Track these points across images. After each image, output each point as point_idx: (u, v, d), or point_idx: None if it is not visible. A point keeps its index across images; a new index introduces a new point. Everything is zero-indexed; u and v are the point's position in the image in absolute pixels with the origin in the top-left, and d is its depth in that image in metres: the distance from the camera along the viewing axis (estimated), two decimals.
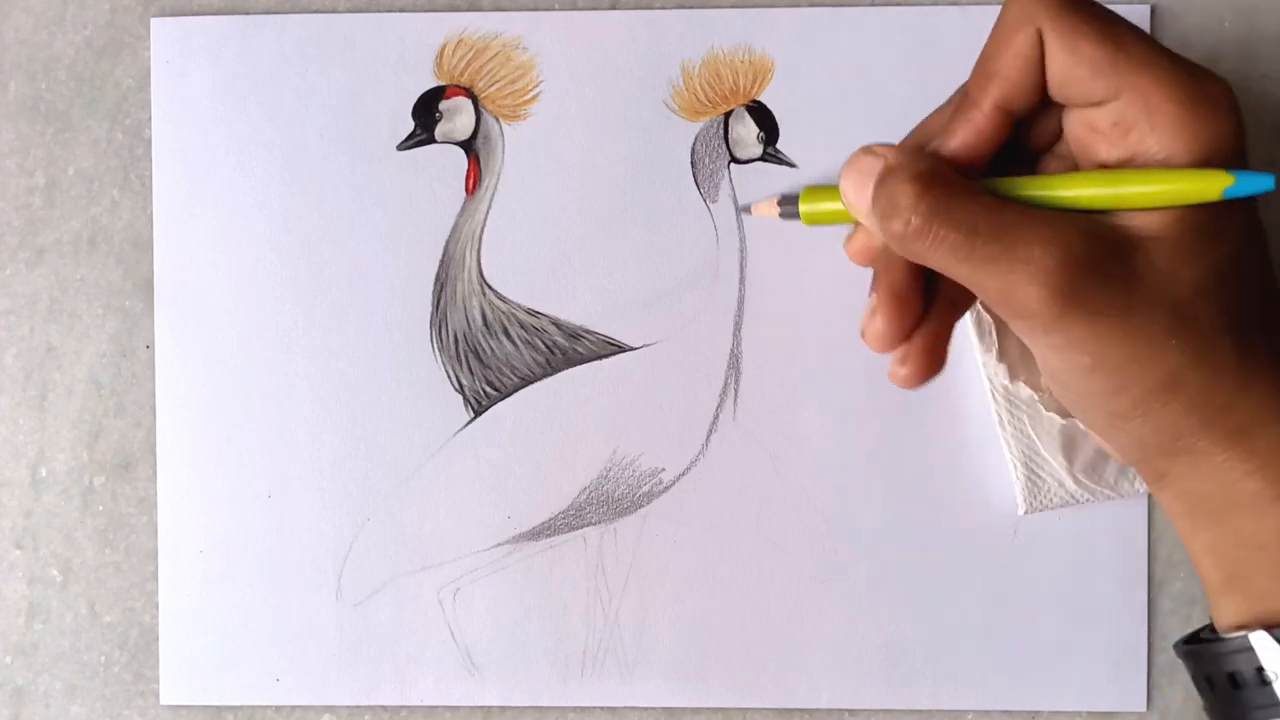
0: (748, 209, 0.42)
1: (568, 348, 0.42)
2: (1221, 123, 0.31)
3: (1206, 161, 0.31)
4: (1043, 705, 0.42)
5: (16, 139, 0.43)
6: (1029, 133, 0.34)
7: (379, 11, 0.43)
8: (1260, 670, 0.32)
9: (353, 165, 0.43)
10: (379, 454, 0.42)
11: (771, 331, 0.42)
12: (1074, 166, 0.34)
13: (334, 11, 0.43)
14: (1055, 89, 0.32)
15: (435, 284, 0.43)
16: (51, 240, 0.43)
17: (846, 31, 0.42)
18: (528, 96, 0.42)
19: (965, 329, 0.42)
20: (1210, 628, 0.35)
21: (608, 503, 0.42)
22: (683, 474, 0.42)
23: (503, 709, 0.43)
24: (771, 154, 0.42)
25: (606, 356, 0.42)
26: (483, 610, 0.42)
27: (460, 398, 0.43)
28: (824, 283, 0.42)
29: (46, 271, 0.43)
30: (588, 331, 0.42)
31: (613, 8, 0.43)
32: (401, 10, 0.43)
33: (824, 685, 0.42)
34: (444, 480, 0.42)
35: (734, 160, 0.42)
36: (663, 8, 0.43)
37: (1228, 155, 0.31)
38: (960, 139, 0.33)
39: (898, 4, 0.42)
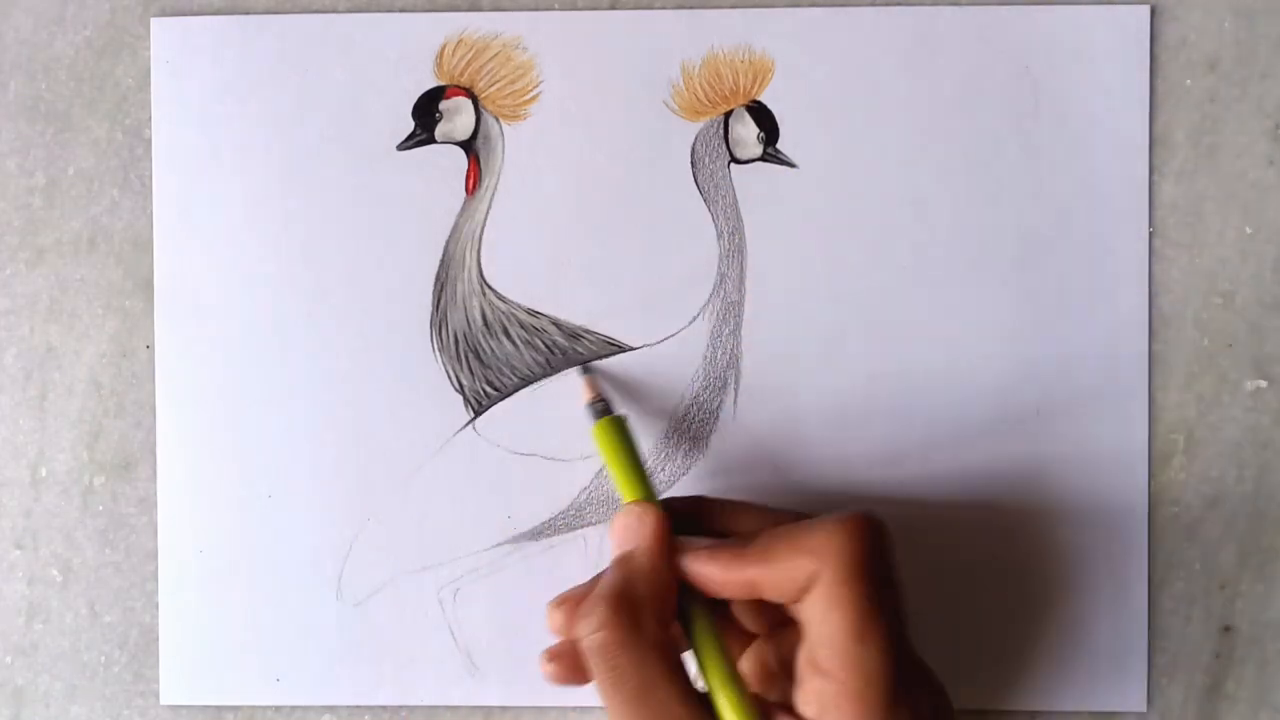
0: (585, 371, 0.42)
1: (568, 348, 0.42)
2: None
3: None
4: (1043, 705, 0.42)
5: (16, 139, 0.43)
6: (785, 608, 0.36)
7: (379, 11, 0.43)
8: None
9: (353, 165, 0.43)
10: (379, 454, 0.42)
11: (771, 331, 0.42)
12: (797, 638, 0.35)
13: (334, 11, 0.43)
14: (799, 617, 0.34)
15: (435, 284, 0.43)
16: (51, 240, 0.43)
17: (846, 31, 0.42)
18: (528, 96, 0.43)
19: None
20: None
21: (608, 503, 0.42)
22: (682, 474, 0.42)
23: (503, 709, 0.43)
24: (771, 154, 0.42)
25: (606, 356, 0.42)
26: (483, 610, 0.42)
27: (460, 398, 0.43)
28: (824, 282, 0.42)
29: (46, 271, 0.43)
30: (588, 331, 0.42)
31: (613, 8, 0.43)
32: (401, 10, 0.43)
33: None
34: (444, 480, 0.42)
35: (734, 160, 0.42)
36: (663, 8, 0.43)
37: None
38: (707, 574, 0.35)
39: (898, 4, 0.42)
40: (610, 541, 0.37)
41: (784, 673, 0.36)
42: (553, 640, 0.36)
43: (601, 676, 0.34)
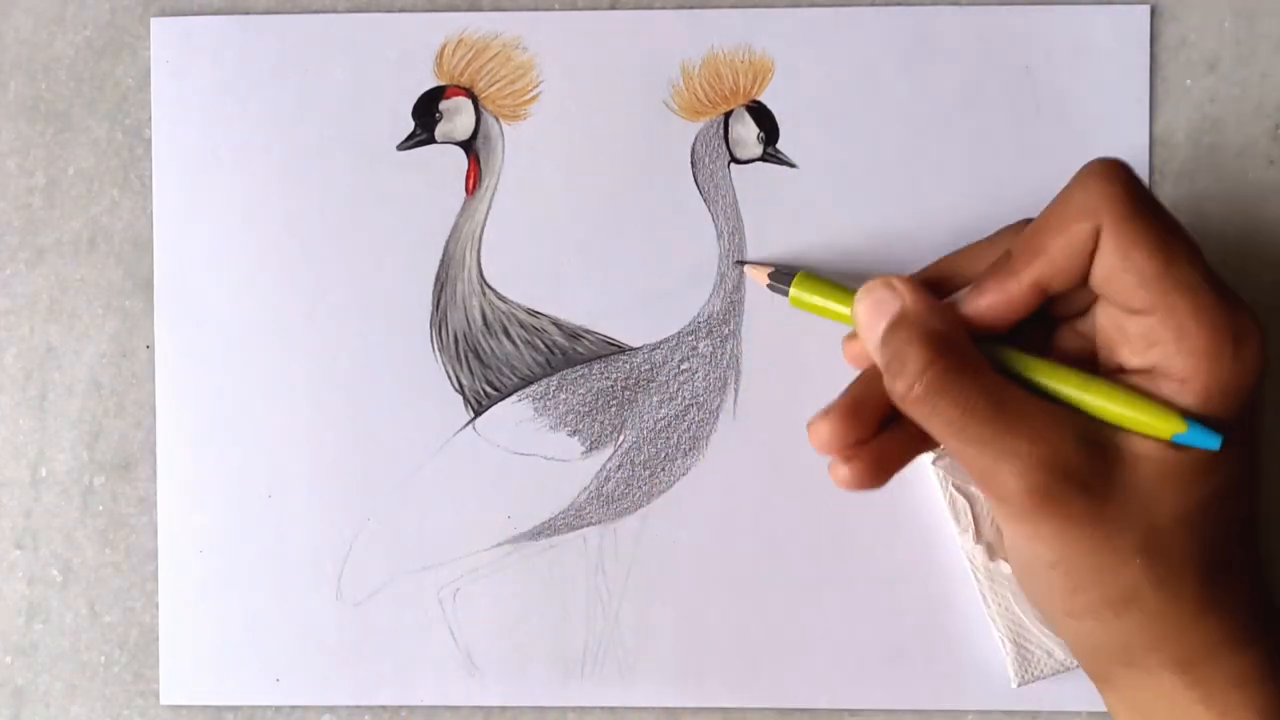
0: (742, 264, 0.42)
1: (568, 348, 0.42)
2: (1244, 365, 0.31)
3: (1219, 397, 0.32)
4: (1043, 705, 0.42)
5: (16, 139, 0.43)
6: (1056, 302, 0.34)
7: (379, 11, 0.43)
8: None
9: (353, 165, 0.43)
10: (379, 454, 0.42)
11: (771, 331, 0.42)
12: (1090, 346, 0.34)
13: (334, 11, 0.43)
14: (1098, 283, 0.32)
15: (435, 284, 0.43)
16: (51, 240, 0.43)
17: (846, 31, 0.42)
18: (528, 96, 0.42)
19: (939, 496, 0.42)
20: None
21: (608, 503, 0.42)
22: (683, 474, 0.42)
23: (503, 709, 0.43)
24: (771, 154, 0.42)
25: (606, 356, 0.42)
26: (483, 610, 0.42)
27: (460, 398, 0.43)
28: None
29: (46, 271, 0.43)
30: (588, 331, 0.42)
31: (613, 8, 0.43)
32: (401, 10, 0.43)
33: (824, 685, 0.42)
34: (444, 480, 0.42)
35: (734, 160, 0.42)
36: (663, 8, 0.43)
37: (1239, 397, 0.32)
38: (989, 302, 0.33)
39: (898, 4, 0.42)
40: (864, 332, 0.35)
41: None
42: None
43: (946, 419, 0.32)
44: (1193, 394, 0.31)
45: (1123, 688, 0.34)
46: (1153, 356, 0.32)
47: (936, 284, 0.35)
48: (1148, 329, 0.32)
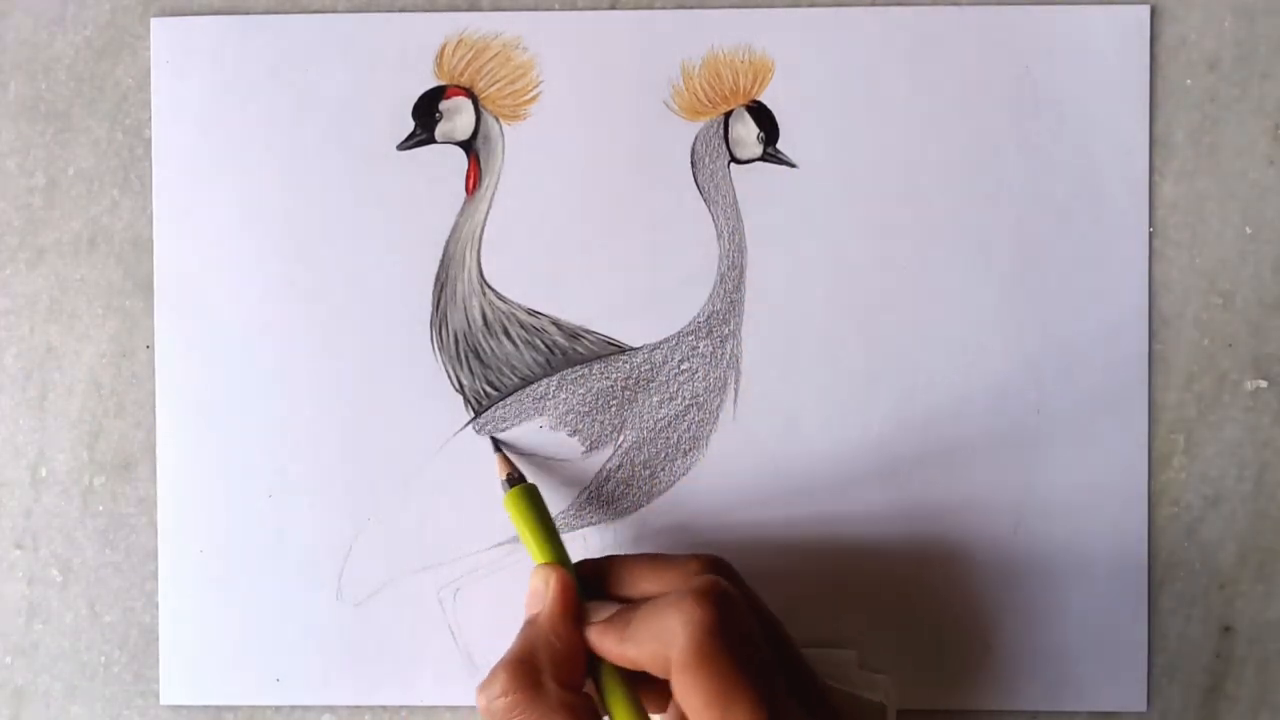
0: (496, 447, 0.42)
1: (568, 348, 0.42)
2: None
3: None
4: (1043, 705, 0.42)
5: (16, 139, 0.43)
6: None
7: (379, 11, 0.43)
8: None
9: (353, 165, 0.43)
10: (379, 454, 0.42)
11: (771, 331, 0.42)
12: None
13: (334, 11, 0.43)
14: (674, 693, 0.34)
15: (435, 284, 0.43)
16: (51, 240, 0.43)
17: (846, 31, 0.42)
18: (528, 96, 0.42)
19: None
20: None
21: (608, 503, 0.42)
22: (683, 474, 0.42)
23: None
24: (771, 154, 0.42)
25: (606, 356, 0.42)
26: (483, 610, 0.42)
27: (460, 398, 0.43)
28: (824, 283, 0.42)
29: (46, 271, 0.43)
30: (588, 331, 0.42)
31: (613, 8, 0.43)
32: (401, 10, 0.43)
33: None
34: (444, 480, 0.42)
35: (734, 160, 0.42)
36: (663, 8, 0.43)
37: None
38: (603, 647, 0.35)
39: (898, 4, 0.42)
40: (528, 590, 0.37)
41: None
42: None
43: None
44: None
45: None
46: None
47: (610, 573, 0.37)
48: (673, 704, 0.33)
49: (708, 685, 0.32)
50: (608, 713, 0.36)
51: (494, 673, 0.35)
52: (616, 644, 0.35)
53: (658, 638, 0.33)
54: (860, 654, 0.42)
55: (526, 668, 0.35)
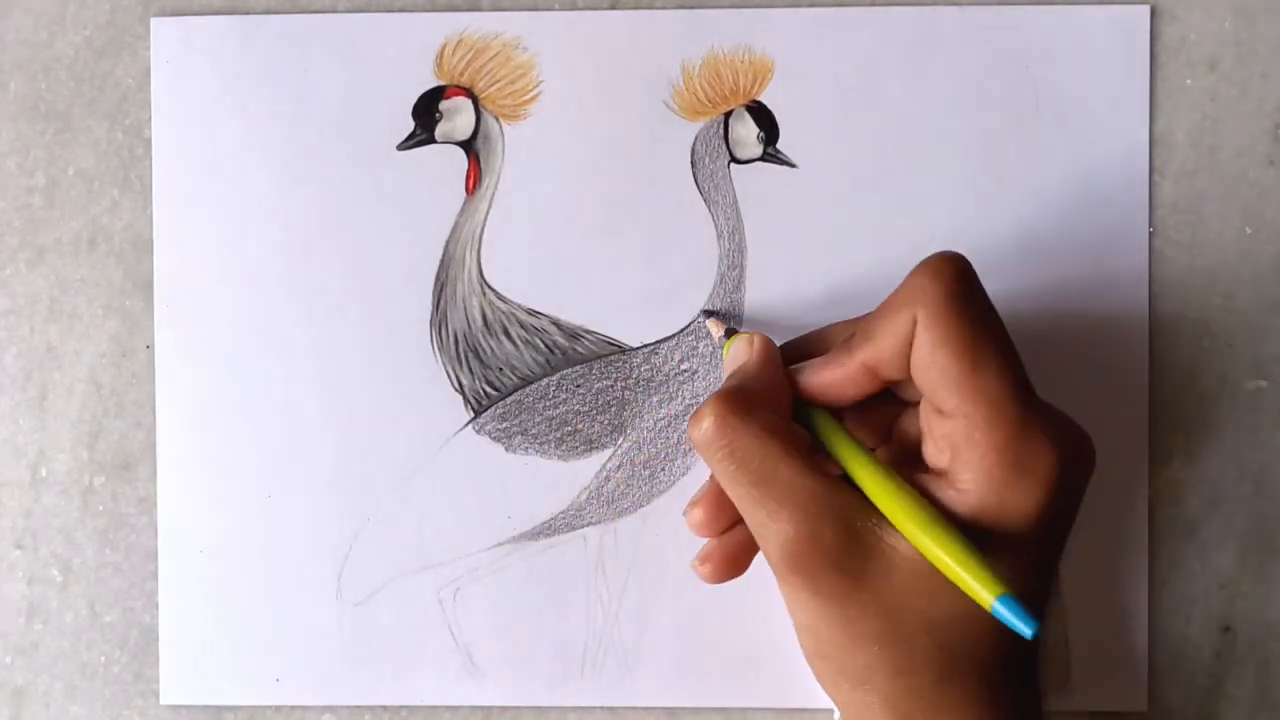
0: (706, 315, 0.42)
1: (568, 348, 0.42)
2: (1025, 495, 0.32)
3: (993, 517, 0.32)
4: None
5: (16, 139, 0.43)
6: (903, 389, 0.35)
7: (379, 11, 0.43)
8: None
9: (353, 165, 0.43)
10: (379, 454, 0.42)
11: (771, 331, 0.42)
12: (918, 435, 0.35)
13: (334, 11, 0.43)
14: (915, 376, 0.33)
15: (435, 284, 0.43)
16: (51, 240, 0.43)
17: (846, 31, 0.42)
18: (528, 96, 0.42)
19: None
20: None
21: (608, 503, 0.42)
22: (683, 474, 0.42)
23: (503, 709, 0.43)
24: (771, 154, 0.42)
25: (606, 356, 0.42)
26: (483, 610, 0.42)
27: (460, 398, 0.43)
28: (824, 282, 0.42)
29: (46, 271, 0.43)
30: (588, 331, 0.42)
31: (613, 8, 0.43)
32: (401, 10, 0.43)
33: None
34: (444, 480, 0.42)
35: (734, 160, 0.42)
36: (663, 8, 0.43)
37: (1024, 526, 0.32)
38: (824, 377, 0.35)
39: (898, 4, 0.42)
40: (725, 361, 0.37)
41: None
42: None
43: (722, 470, 0.33)
44: (966, 507, 0.32)
45: None
46: (947, 460, 0.32)
47: (808, 350, 0.37)
48: (949, 431, 0.32)
49: (961, 334, 0.31)
50: (822, 443, 0.34)
51: (702, 407, 0.34)
52: (841, 360, 0.34)
53: (904, 304, 0.32)
54: None
55: (735, 395, 0.34)
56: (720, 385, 0.36)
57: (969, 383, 0.31)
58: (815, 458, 0.34)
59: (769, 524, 0.33)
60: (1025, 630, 0.30)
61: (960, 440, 0.32)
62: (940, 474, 0.33)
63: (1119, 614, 0.42)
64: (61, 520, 0.43)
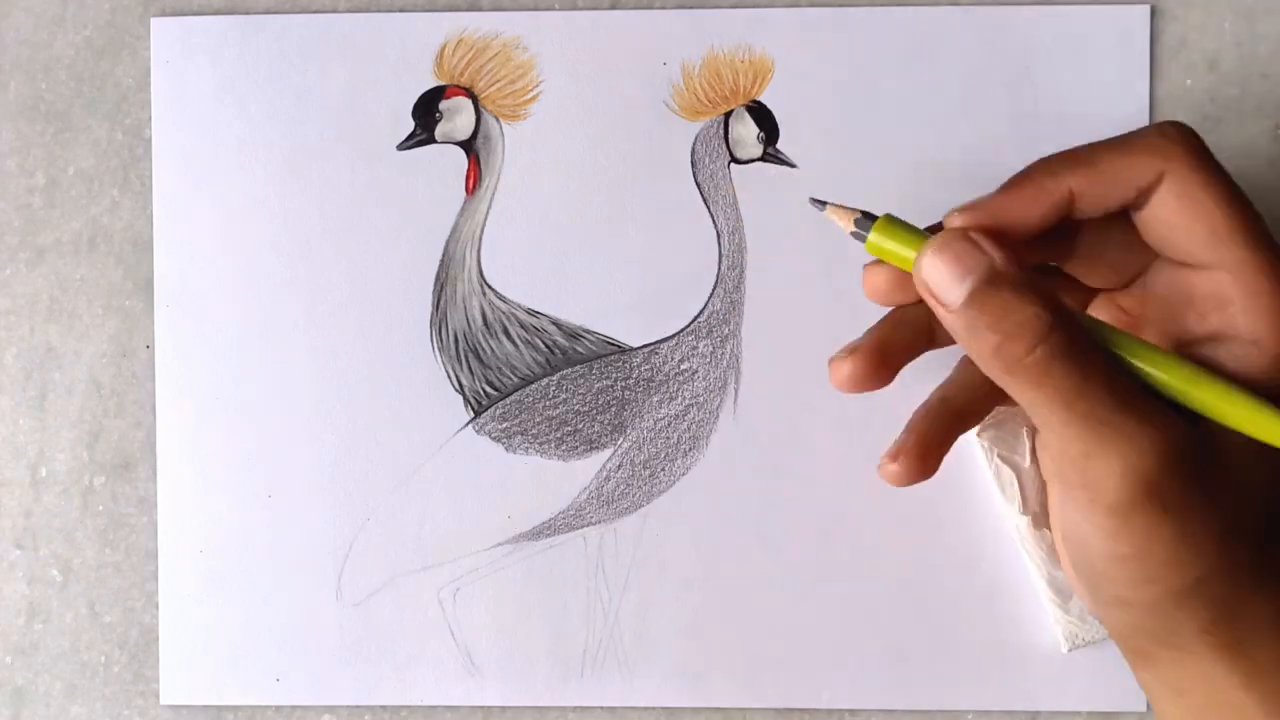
0: (822, 204, 0.35)
1: (568, 348, 0.42)
2: None
3: None
4: (1043, 705, 0.42)
5: (16, 139, 0.43)
6: (1089, 269, 0.33)
7: (379, 11, 0.43)
8: None
9: (353, 165, 0.43)
10: (379, 454, 0.42)
11: (771, 331, 0.42)
12: (1134, 322, 0.32)
13: (334, 11, 0.43)
14: (1158, 236, 0.31)
15: (435, 284, 0.43)
16: (51, 240, 0.43)
17: (846, 31, 0.42)
18: (528, 96, 0.42)
19: (984, 467, 0.41)
20: None
21: (608, 503, 0.42)
22: (683, 474, 0.42)
23: (503, 709, 0.43)
24: (771, 154, 0.42)
25: (606, 356, 0.42)
26: (483, 610, 0.42)
27: (460, 398, 0.43)
28: (824, 282, 0.42)
29: (46, 271, 0.43)
30: (588, 331, 0.42)
31: (613, 8, 0.43)
32: (401, 10, 0.43)
33: (824, 685, 0.42)
34: (444, 480, 0.42)
35: (734, 160, 0.42)
36: (663, 8, 0.43)
37: None
38: (1013, 200, 0.31)
39: (898, 4, 0.42)
40: (942, 287, 0.31)
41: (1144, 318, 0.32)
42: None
43: (1062, 388, 0.29)
44: (1269, 355, 0.30)
45: (1162, 667, 0.32)
46: (1220, 320, 0.30)
47: (998, 232, 0.32)
48: (1217, 287, 0.30)
49: (1224, 184, 0.30)
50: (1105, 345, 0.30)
51: (1006, 318, 0.29)
52: (1047, 181, 0.30)
53: (1152, 150, 0.30)
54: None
55: (1055, 302, 0.29)
56: (960, 289, 0.30)
57: (1241, 231, 0.30)
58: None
59: (1112, 447, 0.29)
60: None
61: (1239, 290, 0.30)
62: (1213, 339, 0.31)
63: None
64: (61, 520, 0.43)
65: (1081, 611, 0.41)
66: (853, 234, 0.34)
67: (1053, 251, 0.33)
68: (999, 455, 0.41)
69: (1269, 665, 0.31)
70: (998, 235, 0.31)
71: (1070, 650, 0.41)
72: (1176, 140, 0.30)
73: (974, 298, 0.30)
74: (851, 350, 0.33)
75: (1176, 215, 0.30)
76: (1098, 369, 0.29)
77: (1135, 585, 0.31)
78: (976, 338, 0.30)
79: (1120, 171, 0.30)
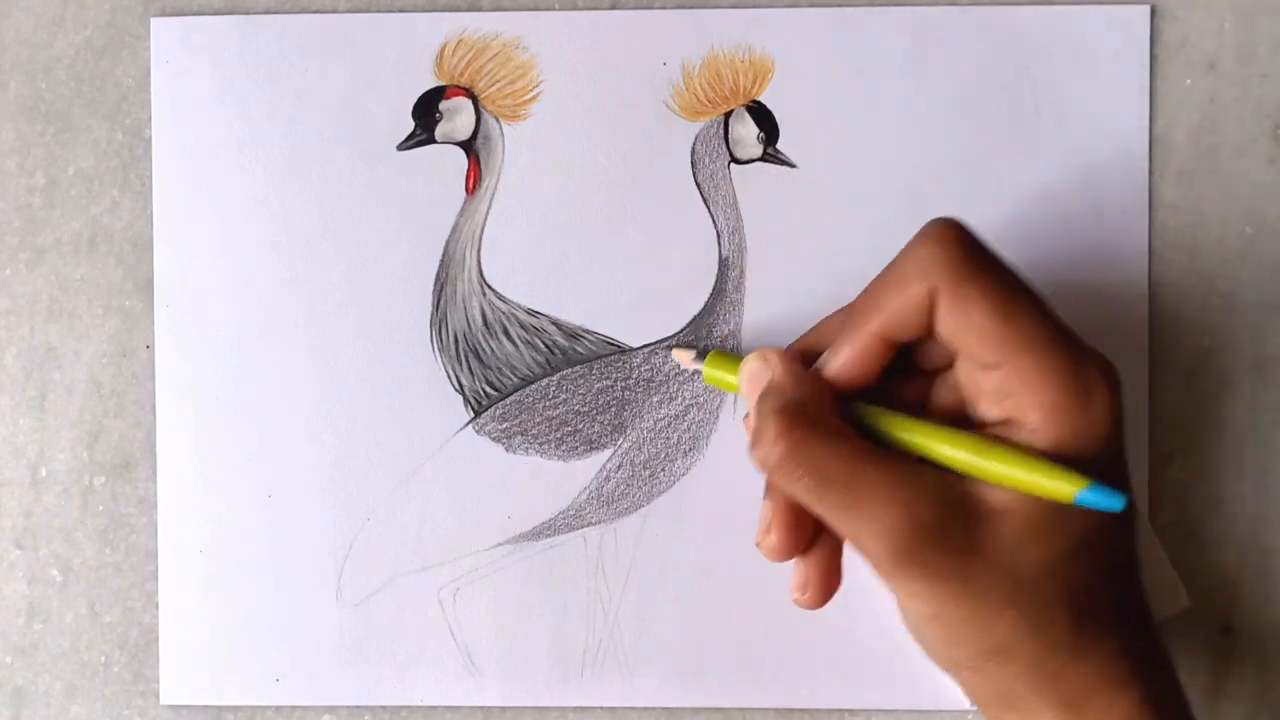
0: (670, 352, 0.42)
1: (568, 348, 0.42)
2: (1094, 415, 0.32)
3: (1072, 446, 0.32)
4: None
5: (16, 139, 0.43)
6: (922, 356, 0.35)
7: (379, 11, 0.43)
8: None
9: (353, 165, 0.43)
10: (379, 454, 0.42)
11: (771, 331, 0.42)
12: (960, 399, 0.34)
13: (334, 11, 0.43)
14: (945, 339, 0.33)
15: (435, 284, 0.43)
16: (51, 240, 0.43)
17: (846, 31, 0.42)
18: (528, 96, 0.43)
19: None
20: None
21: (608, 503, 0.42)
22: (683, 474, 0.42)
23: (503, 709, 0.43)
24: (771, 154, 0.42)
25: (606, 356, 0.42)
26: (483, 610, 0.42)
27: (460, 398, 0.43)
28: (824, 283, 0.42)
29: (46, 271, 0.43)
30: (588, 331, 0.42)
31: (613, 8, 0.43)
32: (401, 10, 0.43)
33: (824, 685, 0.42)
34: (444, 480, 0.42)
35: (734, 160, 0.42)
36: (663, 8, 0.43)
37: (1094, 445, 0.32)
38: (843, 359, 0.34)
39: (898, 4, 0.42)
40: (745, 396, 0.36)
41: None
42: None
43: (803, 487, 0.32)
44: (1045, 443, 0.32)
45: None
46: (1007, 408, 0.33)
47: (814, 349, 0.36)
48: (1000, 382, 0.32)
49: (989, 291, 0.32)
50: (879, 430, 0.34)
51: (759, 430, 0.33)
52: (855, 337, 0.34)
53: (916, 275, 0.32)
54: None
55: (794, 408, 0.33)
56: (753, 407, 0.35)
57: (1008, 334, 0.32)
58: (879, 448, 0.33)
59: (867, 526, 0.32)
60: (1116, 502, 0.31)
61: (1016, 385, 0.32)
62: (1003, 424, 0.33)
63: None
64: (61, 520, 0.43)
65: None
66: (694, 372, 0.40)
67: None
68: None
69: (1095, 716, 0.32)
70: (850, 390, 0.35)
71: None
72: (937, 257, 0.33)
73: (755, 410, 0.34)
74: (764, 526, 0.36)
75: (951, 326, 0.33)
76: (833, 463, 0.32)
77: (949, 645, 0.33)
78: (750, 445, 0.34)
79: (904, 306, 0.33)
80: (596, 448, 0.42)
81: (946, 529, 0.32)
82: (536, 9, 0.43)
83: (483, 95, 0.42)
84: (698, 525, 0.42)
